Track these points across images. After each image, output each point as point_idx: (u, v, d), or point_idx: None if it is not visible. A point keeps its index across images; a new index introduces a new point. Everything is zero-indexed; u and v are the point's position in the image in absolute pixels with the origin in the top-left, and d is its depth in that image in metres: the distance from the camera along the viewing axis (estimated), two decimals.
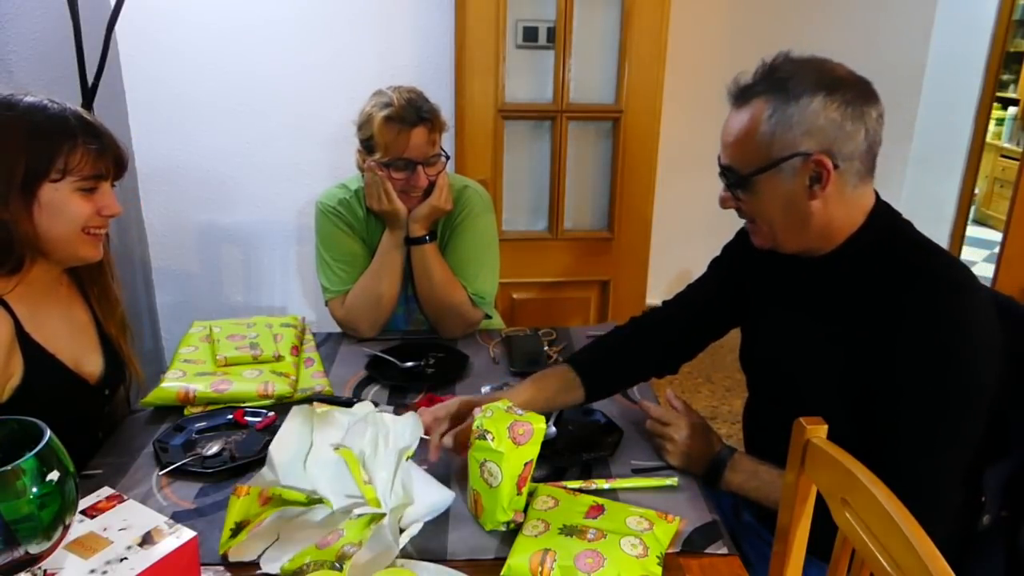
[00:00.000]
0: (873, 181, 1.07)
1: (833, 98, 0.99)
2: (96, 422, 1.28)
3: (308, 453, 1.07)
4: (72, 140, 1.09)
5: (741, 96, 1.05)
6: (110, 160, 1.14)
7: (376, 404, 1.21)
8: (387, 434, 1.10)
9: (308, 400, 1.34)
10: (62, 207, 1.10)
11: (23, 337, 1.12)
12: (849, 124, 0.99)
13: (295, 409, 1.11)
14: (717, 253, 1.40)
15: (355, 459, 1.06)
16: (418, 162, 1.56)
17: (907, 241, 1.06)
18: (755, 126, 1.02)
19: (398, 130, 1.52)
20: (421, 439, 1.09)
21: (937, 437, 0.99)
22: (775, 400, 1.25)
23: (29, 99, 1.10)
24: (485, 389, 1.43)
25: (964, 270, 1.03)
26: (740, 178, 1.06)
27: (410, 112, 1.52)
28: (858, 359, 1.04)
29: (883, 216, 1.08)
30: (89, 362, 1.25)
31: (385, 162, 1.56)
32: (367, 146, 1.59)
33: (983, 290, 1.03)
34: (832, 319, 1.10)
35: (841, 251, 1.08)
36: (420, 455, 1.11)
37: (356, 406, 1.17)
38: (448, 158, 1.64)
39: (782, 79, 1.01)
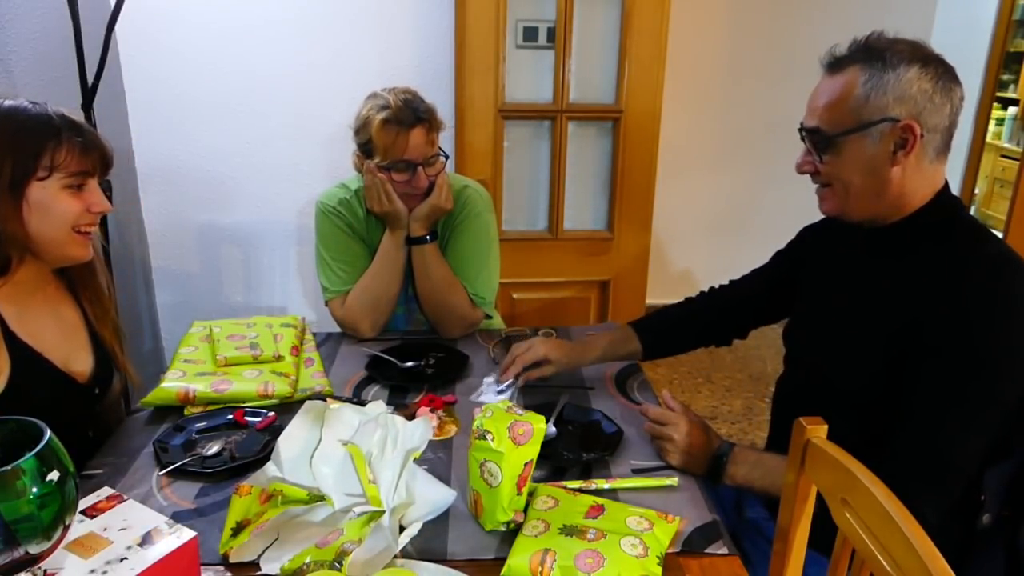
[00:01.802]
0: (947, 163, 1.11)
1: (927, 70, 1.04)
2: (86, 421, 1.28)
3: (315, 449, 1.08)
4: (56, 137, 1.09)
5: (836, 64, 1.10)
6: (96, 157, 1.14)
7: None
8: (396, 436, 1.10)
9: (317, 399, 1.34)
10: (51, 205, 1.10)
11: (10, 337, 1.12)
12: (938, 97, 1.04)
13: (308, 404, 1.12)
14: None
15: (362, 456, 1.06)
16: (418, 163, 1.56)
17: (965, 224, 1.10)
18: (850, 90, 1.06)
19: (396, 132, 1.52)
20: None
21: (953, 412, 1.01)
22: (810, 378, 1.28)
23: (8, 102, 1.10)
24: (486, 390, 1.43)
25: (1014, 254, 1.06)
26: (827, 139, 1.09)
27: (407, 113, 1.52)
28: (895, 342, 1.07)
29: (949, 199, 1.12)
30: (78, 361, 1.24)
31: (385, 165, 1.56)
32: (365, 150, 1.58)
33: None
34: (878, 301, 1.13)
35: (905, 223, 1.11)
36: (423, 456, 1.11)
37: (369, 406, 1.18)
38: (447, 157, 1.64)
39: (879, 50, 1.06)
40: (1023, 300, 1.00)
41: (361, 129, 1.57)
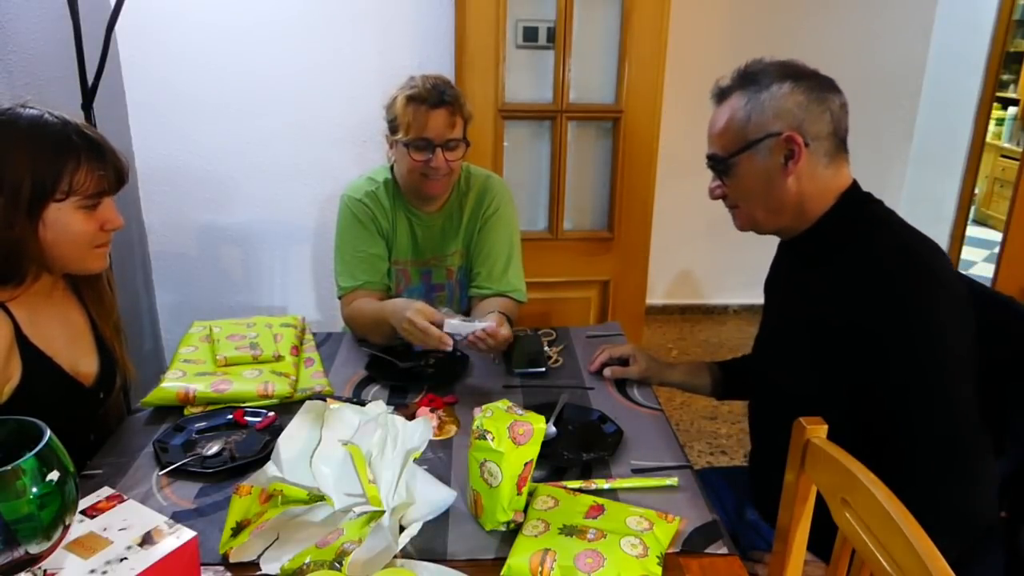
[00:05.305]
0: (847, 166, 1.16)
1: (798, 84, 1.11)
2: (89, 424, 1.28)
3: (315, 449, 1.08)
4: (76, 159, 1.09)
5: (721, 95, 1.19)
6: (112, 176, 1.14)
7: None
8: (396, 436, 1.10)
9: (317, 399, 1.33)
10: (66, 226, 1.10)
11: (22, 340, 1.12)
12: (814, 107, 1.11)
13: (308, 404, 1.12)
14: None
15: (362, 456, 1.06)
16: (437, 144, 1.57)
17: (872, 218, 1.13)
18: (733, 115, 1.15)
19: (417, 110, 1.55)
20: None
21: (935, 401, 1.03)
22: (769, 389, 1.31)
23: (29, 112, 1.09)
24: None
25: (920, 238, 1.08)
26: (723, 162, 1.17)
27: (433, 94, 1.55)
28: (833, 341, 1.10)
29: (854, 197, 1.16)
30: (85, 364, 1.25)
31: (405, 141, 1.58)
32: (392, 127, 1.61)
33: (943, 256, 1.08)
34: (809, 304, 1.16)
35: (814, 229, 1.16)
36: (422, 456, 1.11)
37: (369, 406, 1.18)
38: (469, 145, 1.63)
39: (753, 75, 1.15)
40: (936, 278, 1.04)
41: (390, 106, 1.61)
